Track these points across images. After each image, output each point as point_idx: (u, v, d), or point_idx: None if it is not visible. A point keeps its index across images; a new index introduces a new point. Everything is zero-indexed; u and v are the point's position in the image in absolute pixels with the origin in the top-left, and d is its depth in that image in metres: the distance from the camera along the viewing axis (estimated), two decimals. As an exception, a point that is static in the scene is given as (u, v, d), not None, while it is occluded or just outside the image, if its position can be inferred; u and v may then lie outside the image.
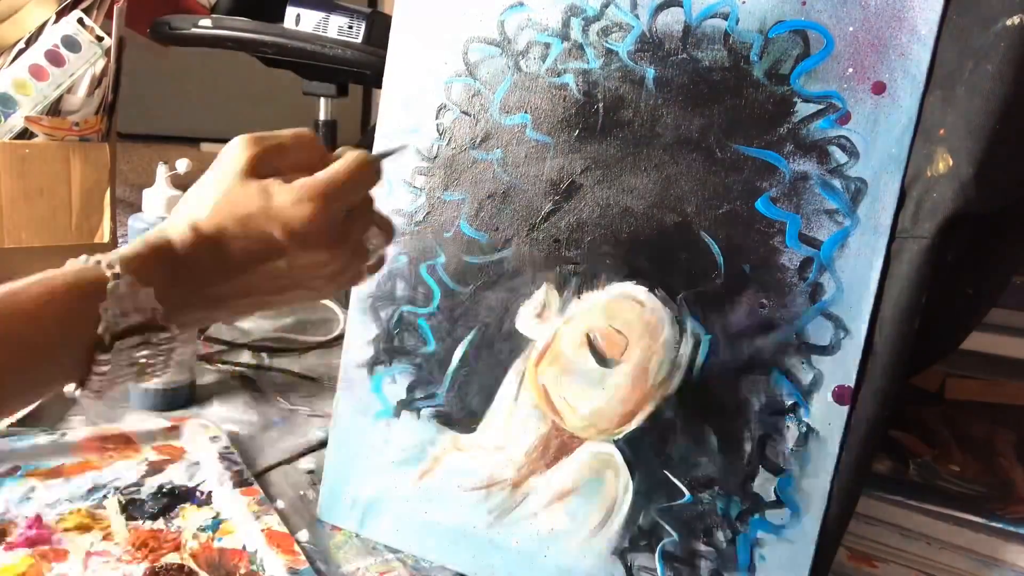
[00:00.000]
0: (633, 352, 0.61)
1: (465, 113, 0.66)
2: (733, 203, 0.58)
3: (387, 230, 0.54)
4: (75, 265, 0.43)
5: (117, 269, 0.42)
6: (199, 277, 0.46)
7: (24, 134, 1.15)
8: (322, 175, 0.47)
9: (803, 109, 0.56)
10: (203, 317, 0.48)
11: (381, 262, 0.57)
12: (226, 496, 0.72)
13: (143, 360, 0.44)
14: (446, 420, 0.67)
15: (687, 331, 0.60)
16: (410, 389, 0.68)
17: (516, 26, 0.64)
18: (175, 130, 2.62)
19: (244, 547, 0.66)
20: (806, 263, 0.57)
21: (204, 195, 0.47)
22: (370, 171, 0.50)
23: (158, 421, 0.84)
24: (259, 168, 0.47)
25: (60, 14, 1.16)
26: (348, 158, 0.49)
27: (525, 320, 0.65)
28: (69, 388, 0.43)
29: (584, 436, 0.63)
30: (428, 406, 0.67)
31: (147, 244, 0.45)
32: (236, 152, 0.47)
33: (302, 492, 0.76)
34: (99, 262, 0.42)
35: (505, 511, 0.65)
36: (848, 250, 0.55)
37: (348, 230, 0.49)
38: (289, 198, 0.46)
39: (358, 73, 1.34)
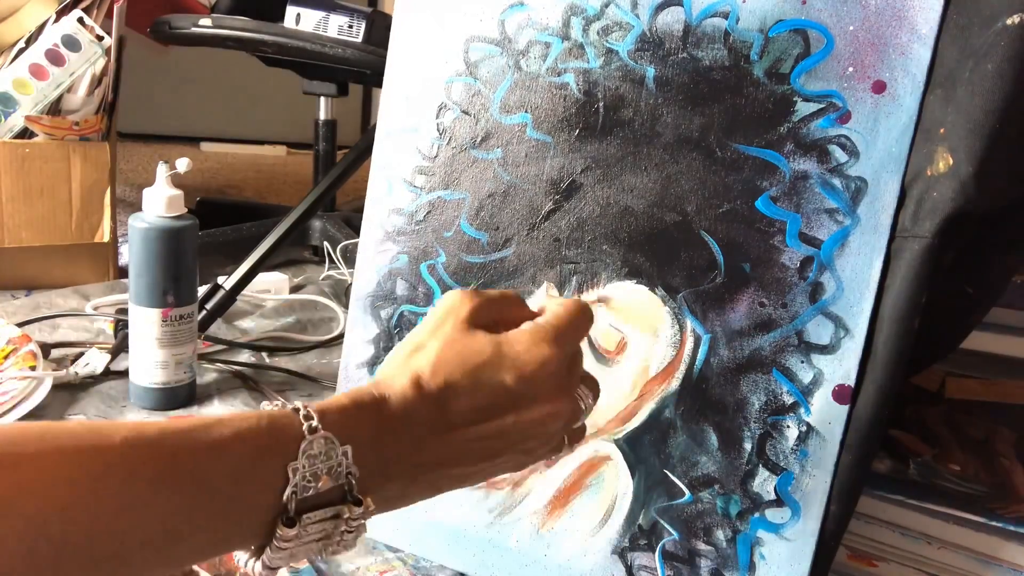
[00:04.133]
0: (633, 351, 0.61)
1: (465, 112, 0.66)
2: (733, 202, 0.58)
3: (594, 388, 0.50)
4: (267, 408, 0.39)
5: (315, 421, 0.38)
6: (410, 439, 0.41)
7: (24, 133, 1.15)
8: (548, 319, 0.46)
9: (803, 108, 0.56)
10: (399, 494, 0.42)
11: (583, 432, 0.52)
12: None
13: (329, 536, 0.39)
14: (446, 419, 0.67)
15: (687, 330, 0.60)
16: (410, 388, 0.68)
17: (516, 25, 0.64)
18: (175, 130, 2.62)
19: (244, 546, 0.66)
20: (806, 262, 0.57)
21: (424, 348, 0.43)
22: (587, 314, 0.48)
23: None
24: (479, 320, 0.45)
25: (60, 13, 1.17)
26: (566, 303, 0.47)
27: (525, 319, 0.65)
28: (241, 556, 0.38)
29: (584, 435, 0.63)
30: (428, 405, 0.67)
31: (352, 399, 0.40)
32: (456, 303, 0.45)
33: (302, 491, 0.76)
34: (297, 409, 0.38)
35: (505, 510, 0.65)
36: (848, 249, 0.55)
37: (570, 382, 0.47)
38: (522, 343, 0.44)
39: (358, 72, 1.34)
